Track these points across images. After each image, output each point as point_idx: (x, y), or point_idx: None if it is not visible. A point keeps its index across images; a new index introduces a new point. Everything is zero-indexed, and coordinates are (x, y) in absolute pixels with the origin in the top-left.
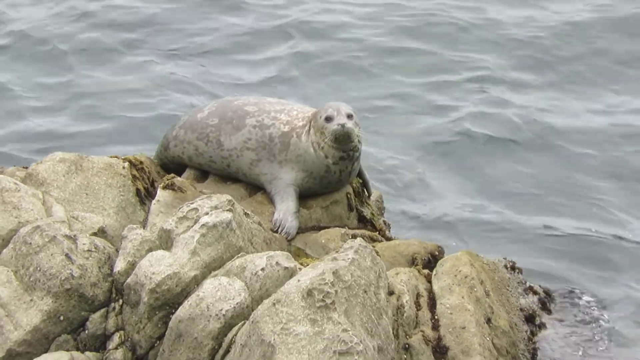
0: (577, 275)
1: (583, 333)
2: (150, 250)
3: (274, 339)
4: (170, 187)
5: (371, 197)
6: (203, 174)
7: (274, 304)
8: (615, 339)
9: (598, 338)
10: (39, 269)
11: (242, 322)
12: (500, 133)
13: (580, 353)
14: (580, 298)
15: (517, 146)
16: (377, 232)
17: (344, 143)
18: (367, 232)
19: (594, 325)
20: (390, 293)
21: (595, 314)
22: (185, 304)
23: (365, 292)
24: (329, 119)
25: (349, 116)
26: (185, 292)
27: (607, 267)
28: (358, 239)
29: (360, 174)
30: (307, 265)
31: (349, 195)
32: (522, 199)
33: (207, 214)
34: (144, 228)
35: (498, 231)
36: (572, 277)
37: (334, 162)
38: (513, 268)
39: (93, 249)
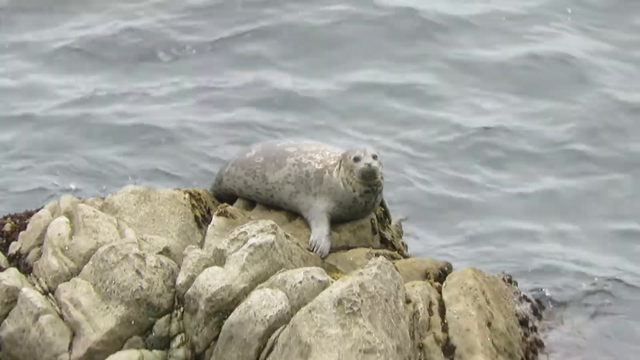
0: (567, 282)
1: (569, 334)
2: (206, 266)
3: (310, 340)
4: (223, 214)
5: (391, 223)
6: (251, 204)
7: (310, 311)
8: (599, 340)
9: (583, 339)
10: (114, 282)
11: (283, 325)
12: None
13: (565, 351)
14: (568, 305)
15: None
16: (397, 252)
17: (370, 179)
18: (388, 252)
19: (580, 328)
20: (407, 302)
21: (581, 320)
22: (236, 311)
23: (387, 300)
24: (357, 159)
25: (374, 157)
26: (235, 301)
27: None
28: (380, 257)
29: (382, 204)
30: (338, 278)
31: (372, 221)
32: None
33: (254, 236)
34: (201, 248)
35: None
36: (562, 284)
37: (360, 195)
38: (510, 281)
39: (159, 266)
